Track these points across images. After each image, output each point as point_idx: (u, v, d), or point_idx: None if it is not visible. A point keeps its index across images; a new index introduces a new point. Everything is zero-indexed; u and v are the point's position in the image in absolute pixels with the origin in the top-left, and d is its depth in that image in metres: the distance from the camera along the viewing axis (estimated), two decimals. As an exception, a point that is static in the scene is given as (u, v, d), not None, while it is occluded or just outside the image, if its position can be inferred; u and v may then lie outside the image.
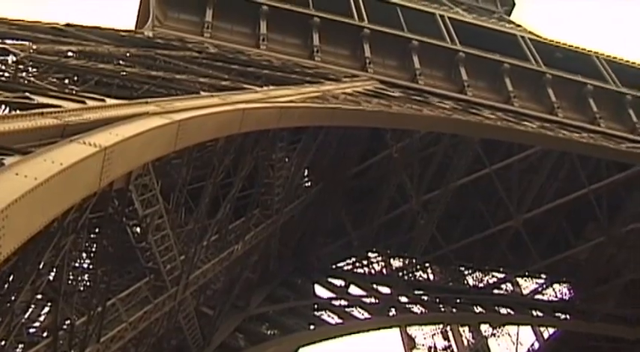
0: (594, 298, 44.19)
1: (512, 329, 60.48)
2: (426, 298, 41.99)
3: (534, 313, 43.89)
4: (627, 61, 44.79)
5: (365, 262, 43.01)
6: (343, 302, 39.70)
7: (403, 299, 41.36)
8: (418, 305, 41.44)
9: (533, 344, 58.79)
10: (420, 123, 30.12)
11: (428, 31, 39.03)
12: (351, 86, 29.81)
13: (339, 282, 41.33)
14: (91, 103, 12.96)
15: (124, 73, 19.55)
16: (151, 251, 22.43)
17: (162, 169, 21.92)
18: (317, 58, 34.52)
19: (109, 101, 13.67)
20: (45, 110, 11.13)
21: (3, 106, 11.34)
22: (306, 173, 37.96)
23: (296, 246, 39.95)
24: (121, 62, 21.89)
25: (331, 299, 40.01)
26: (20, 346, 18.94)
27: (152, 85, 18.31)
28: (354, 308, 39.44)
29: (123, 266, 25.10)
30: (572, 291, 46.53)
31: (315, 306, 39.12)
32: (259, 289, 37.05)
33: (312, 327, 37.61)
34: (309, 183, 38.79)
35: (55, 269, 16.22)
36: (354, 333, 39.71)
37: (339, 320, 38.41)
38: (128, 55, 23.62)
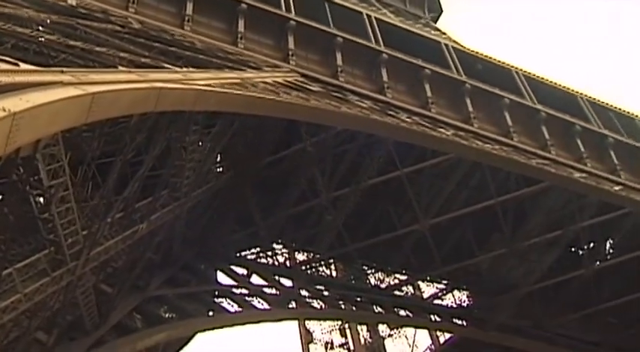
0: (491, 307, 44.94)
1: (409, 331, 61.34)
2: (327, 294, 42.22)
3: (432, 317, 44.48)
4: (545, 79, 45.56)
5: (269, 253, 42.97)
6: (244, 291, 39.64)
7: (304, 292, 41.50)
8: (318, 300, 41.63)
9: (428, 348, 59.68)
10: (336, 120, 30.22)
11: (354, 30, 39.09)
12: (271, 76, 29.74)
13: (241, 271, 41.22)
14: (3, 66, 12.70)
15: (42, 39, 19.19)
16: (53, 223, 21.99)
17: (72, 141, 21.53)
18: (240, 44, 34.30)
19: (23, 66, 13.42)
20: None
21: None
22: (218, 159, 37.78)
23: (201, 231, 39.71)
24: (40, 28, 21.46)
25: (232, 287, 39.90)
26: None
27: (69, 55, 18.02)
28: (254, 298, 39.42)
29: (23, 236, 24.64)
30: (470, 299, 47.26)
31: (216, 293, 39.01)
32: (161, 271, 36.77)
33: (210, 313, 37.53)
34: (221, 169, 38.62)
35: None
36: (252, 323, 39.71)
37: (239, 309, 38.38)
38: (49, 21, 23.16)
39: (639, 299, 45.25)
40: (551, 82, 45.86)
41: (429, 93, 38.29)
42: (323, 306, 41.50)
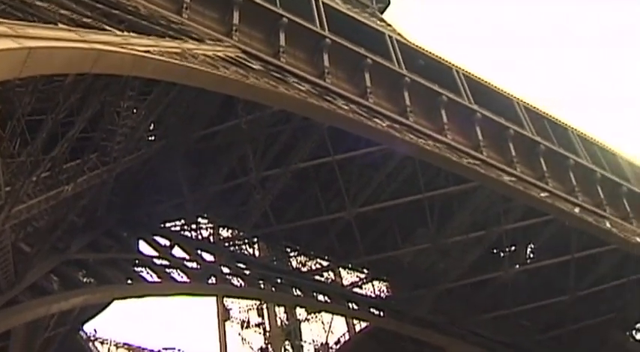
0: (409, 300, 45.34)
1: (326, 316, 61.82)
2: (247, 272, 42.12)
3: (350, 305, 44.67)
4: (484, 81, 46.03)
5: (194, 226, 42.68)
6: (165, 263, 39.33)
7: (225, 269, 41.34)
8: (239, 278, 41.53)
9: (344, 335, 60.16)
10: (272, 100, 30.15)
11: (300, 12, 38.97)
12: (212, 49, 29.56)
13: (164, 242, 40.84)
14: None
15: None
16: (-24, 176, 21.70)
17: (3, 95, 21.21)
18: (185, 14, 33.93)
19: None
20: None
21: None
22: (151, 127, 37.45)
23: (127, 198, 39.36)
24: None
25: (153, 257, 39.54)
26: None
27: (8, 6, 17.68)
28: (174, 270, 39.14)
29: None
30: (390, 290, 47.72)
31: (136, 262, 38.57)
32: (82, 235, 36.30)
33: (129, 282, 37.18)
34: (153, 138, 38.30)
35: None
36: (170, 295, 39.55)
37: (158, 280, 38.07)
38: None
39: (553, 304, 46.28)
40: (490, 84, 46.37)
41: (368, 83, 38.38)
42: (243, 284, 41.42)
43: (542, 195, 40.90)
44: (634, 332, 49.31)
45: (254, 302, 63.75)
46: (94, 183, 31.31)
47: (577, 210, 42.52)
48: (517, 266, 46.20)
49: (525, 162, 42.86)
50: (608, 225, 43.34)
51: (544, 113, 47.64)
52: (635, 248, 43.08)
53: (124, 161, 32.91)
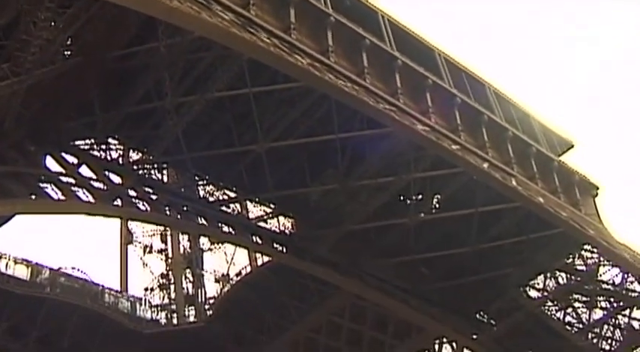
0: (313, 239, 45.74)
1: (229, 248, 62.01)
2: (154, 197, 41.86)
3: (254, 238, 44.86)
4: (408, 29, 45.94)
5: (103, 147, 41.91)
6: (71, 181, 38.83)
7: (132, 192, 40.98)
8: (145, 203, 41.27)
9: (245, 267, 60.46)
10: (194, 25, 29.87)
11: None
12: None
13: (72, 160, 40.18)
14: None
15: None
16: None
17: None
18: None
19: None
20: None
21: None
22: (69, 42, 36.61)
23: (38, 112, 38.54)
24: None
25: (60, 174, 38.98)
26: None
27: None
28: (80, 189, 38.70)
29: None
30: (294, 227, 47.88)
31: (42, 178, 38.00)
32: (-13, 145, 35.64)
33: (33, 197, 36.68)
34: (69, 53, 37.45)
35: None
36: (74, 213, 39.41)
37: (62, 197, 37.68)
38: None
39: (454, 255, 47.31)
40: (414, 33, 46.37)
41: (292, 19, 37.97)
42: (148, 209, 41.17)
43: (454, 147, 41.42)
44: (528, 288, 50.52)
45: (158, 227, 63.46)
46: (4, 94, 30.63)
47: (486, 165, 43.20)
48: (422, 214, 46.81)
49: (440, 113, 43.16)
50: (514, 183, 44.18)
51: (463, 67, 47.98)
52: (537, 208, 44.06)
53: (36, 73, 32.20)
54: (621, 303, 48.14)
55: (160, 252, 65.24)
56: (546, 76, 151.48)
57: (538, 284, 50.36)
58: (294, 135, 42.06)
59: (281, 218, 47.21)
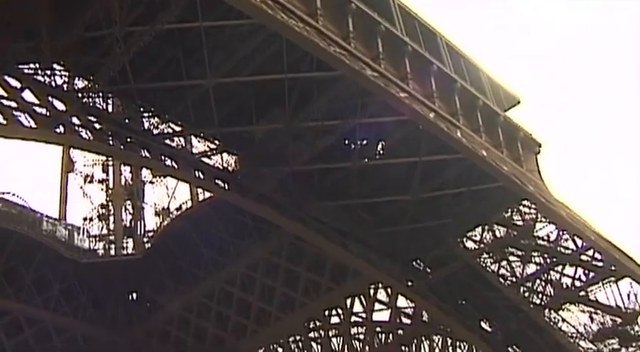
0: (256, 177, 45.76)
1: (171, 182, 61.90)
2: (98, 126, 41.41)
3: (197, 173, 44.73)
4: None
5: (48, 72, 41.16)
6: (13, 104, 38.32)
7: (75, 120, 40.52)
8: (88, 132, 40.86)
9: (186, 202, 60.47)
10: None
11: None
12: None
13: (15, 83, 39.55)
14: None
15: None
16: None
17: None
18: None
19: None
20: None
21: None
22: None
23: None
24: None
25: (1, 97, 38.43)
26: None
27: None
28: (22, 114, 38.22)
29: None
30: (237, 165, 47.77)
31: (-18, 101, 37.44)
32: None
33: (-28, 120, 36.13)
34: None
35: None
36: (14, 138, 38.88)
37: (3, 121, 37.21)
38: None
39: (395, 202, 47.67)
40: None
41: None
42: (91, 138, 40.81)
43: (402, 94, 41.53)
44: (465, 239, 51.12)
45: (100, 157, 63.13)
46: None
47: (432, 115, 43.41)
48: (366, 159, 46.98)
49: (390, 60, 43.13)
50: (458, 134, 44.50)
51: (417, 15, 47.84)
52: (480, 160, 44.49)
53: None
54: (554, 260, 48.86)
55: (101, 182, 64.97)
56: (499, 32, 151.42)
57: (476, 236, 50.88)
58: (243, 72, 41.69)
59: (225, 155, 47.03)
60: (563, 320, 48.74)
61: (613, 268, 46.65)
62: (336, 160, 46.12)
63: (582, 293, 48.04)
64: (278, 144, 45.26)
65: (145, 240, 63.16)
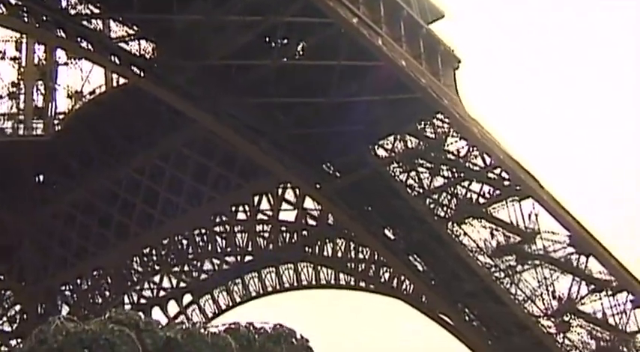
0: (173, 68, 45.19)
1: (86, 65, 60.62)
2: (13, 2, 40.32)
3: (113, 58, 44.04)
4: None
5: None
6: None
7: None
8: (3, 5, 39.77)
9: (100, 87, 59.42)
10: None
11: None
12: None
13: None
14: None
15: None
16: None
17: None
18: None
19: None
20: None
21: None
22: None
23: None
24: None
25: None
26: None
27: None
28: None
29: None
30: (155, 53, 46.99)
31: None
32: None
33: None
34: None
35: None
36: None
37: None
38: None
39: (310, 104, 47.52)
40: None
41: None
42: (5, 12, 39.73)
43: (326, -3, 41.17)
44: (377, 147, 51.34)
45: (13, 34, 61.33)
46: None
47: (355, 20, 43.18)
48: (285, 59, 46.63)
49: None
50: (380, 42, 44.43)
51: None
52: (398, 70, 44.60)
53: None
54: (462, 175, 49.40)
55: (13, 59, 63.29)
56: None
57: (387, 144, 51.07)
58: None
59: (143, 42, 46.18)
60: (465, 234, 49.52)
61: (518, 188, 47.40)
62: (255, 57, 45.64)
63: (485, 209, 48.85)
64: (198, 36, 44.58)
65: (56, 122, 61.97)
